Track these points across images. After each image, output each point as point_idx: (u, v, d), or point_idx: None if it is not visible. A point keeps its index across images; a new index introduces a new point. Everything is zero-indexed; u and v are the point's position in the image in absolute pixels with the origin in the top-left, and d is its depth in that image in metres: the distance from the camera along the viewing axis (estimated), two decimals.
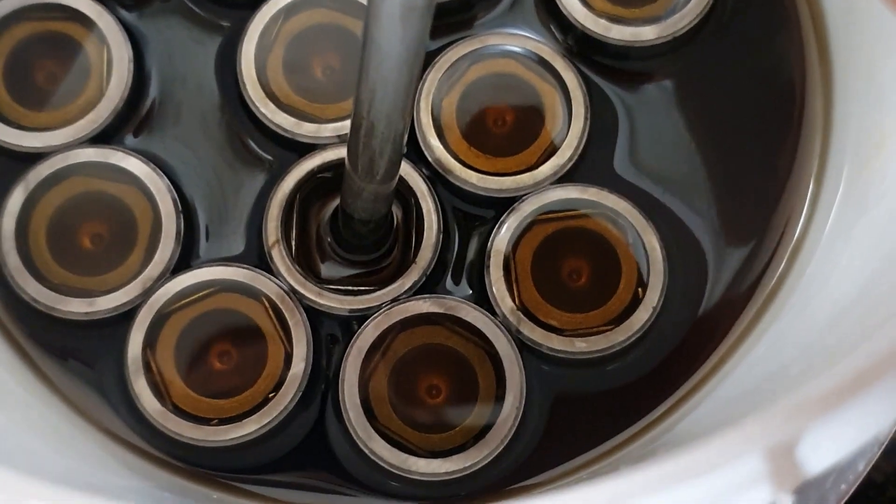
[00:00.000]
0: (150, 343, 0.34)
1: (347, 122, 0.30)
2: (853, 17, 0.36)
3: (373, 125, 0.28)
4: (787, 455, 0.19)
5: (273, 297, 0.35)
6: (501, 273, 0.35)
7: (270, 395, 0.34)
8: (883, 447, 0.30)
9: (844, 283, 0.31)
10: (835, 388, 0.20)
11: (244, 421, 0.34)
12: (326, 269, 0.36)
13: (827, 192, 0.35)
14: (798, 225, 0.36)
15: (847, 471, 0.29)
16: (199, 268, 0.35)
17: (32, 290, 0.34)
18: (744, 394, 0.33)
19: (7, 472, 0.21)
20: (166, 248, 0.35)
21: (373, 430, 0.34)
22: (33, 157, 0.35)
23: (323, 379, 0.35)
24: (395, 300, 0.35)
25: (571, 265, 0.36)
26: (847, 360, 0.20)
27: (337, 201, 0.35)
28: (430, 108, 0.36)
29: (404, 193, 0.36)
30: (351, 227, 0.34)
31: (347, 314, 0.35)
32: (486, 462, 0.34)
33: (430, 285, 0.36)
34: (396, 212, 0.36)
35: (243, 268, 0.35)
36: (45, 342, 0.35)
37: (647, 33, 0.37)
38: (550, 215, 0.36)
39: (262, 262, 0.35)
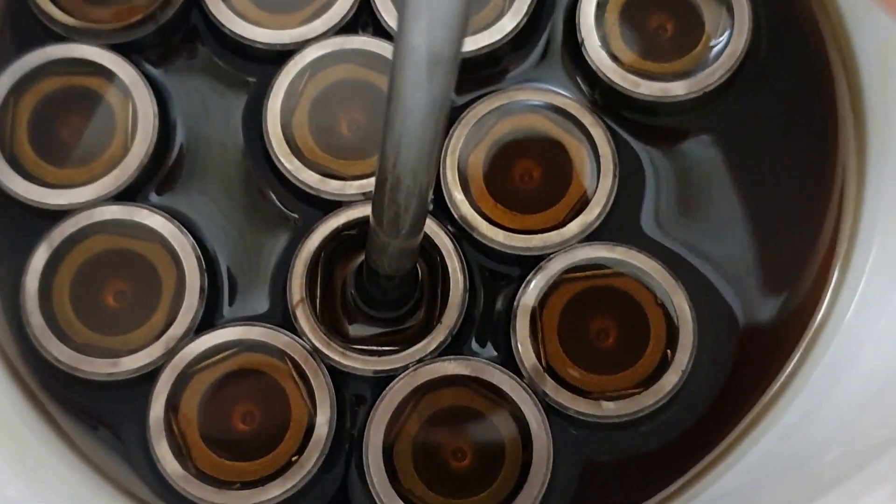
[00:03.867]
0: (172, 405, 0.34)
1: (372, 180, 0.29)
2: (888, 73, 0.36)
3: (398, 179, 0.28)
4: None
5: (297, 358, 0.34)
6: (528, 332, 0.35)
7: (294, 459, 0.34)
8: None
9: (877, 357, 0.30)
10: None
11: (267, 485, 0.33)
12: (352, 329, 0.35)
13: (858, 259, 0.35)
14: (829, 290, 0.35)
15: None
16: (223, 327, 0.35)
17: (55, 350, 0.34)
18: (774, 463, 0.32)
19: None
20: (190, 308, 0.35)
21: (395, 494, 0.33)
22: (57, 215, 0.35)
23: (347, 440, 0.35)
24: (421, 360, 0.35)
25: (599, 325, 0.35)
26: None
27: (362, 258, 0.34)
28: (456, 164, 0.36)
29: (430, 251, 0.35)
30: (376, 282, 0.34)
31: (372, 375, 0.35)
32: None
33: (455, 345, 0.35)
34: (422, 269, 0.36)
35: (267, 327, 0.35)
36: (68, 402, 0.35)
37: (676, 89, 0.36)
38: (578, 274, 0.35)
39: (286, 320, 0.35)
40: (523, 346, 0.35)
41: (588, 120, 0.36)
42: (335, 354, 0.35)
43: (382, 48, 0.36)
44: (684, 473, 0.34)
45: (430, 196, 0.29)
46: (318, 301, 0.35)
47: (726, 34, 0.37)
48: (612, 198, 0.36)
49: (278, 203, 0.36)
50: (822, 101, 0.37)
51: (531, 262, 0.35)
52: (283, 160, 0.36)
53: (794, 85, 0.37)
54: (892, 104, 0.35)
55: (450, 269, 0.35)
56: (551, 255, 0.35)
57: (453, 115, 0.36)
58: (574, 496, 0.34)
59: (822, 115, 0.37)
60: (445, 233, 0.36)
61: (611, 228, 0.36)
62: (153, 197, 0.36)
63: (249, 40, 0.37)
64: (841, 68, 0.37)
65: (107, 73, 0.36)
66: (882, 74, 0.35)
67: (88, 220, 0.35)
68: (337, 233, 0.36)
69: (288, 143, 0.36)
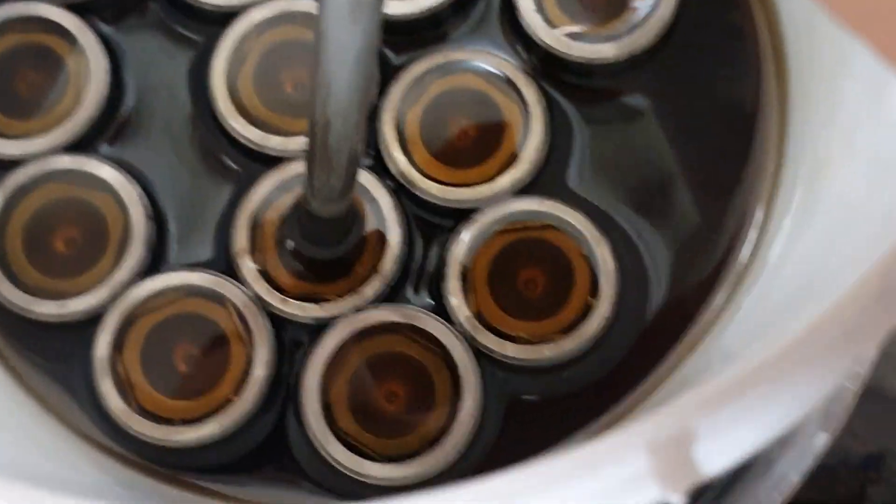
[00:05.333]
0: (116, 345, 0.35)
1: None
2: (811, 36, 0.37)
3: (329, 122, 0.29)
4: (677, 453, 0.20)
5: (238, 304, 0.36)
6: (459, 282, 0.36)
7: (232, 398, 0.35)
8: (818, 459, 0.31)
9: (779, 294, 0.31)
10: (729, 384, 0.20)
11: (205, 422, 0.35)
12: (291, 278, 0.37)
13: (777, 214, 0.36)
14: (749, 244, 0.37)
15: (781, 483, 0.30)
16: (167, 273, 0.36)
17: (6, 291, 0.36)
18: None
19: None
20: (136, 254, 0.36)
21: (331, 434, 0.35)
22: (11, 164, 0.37)
23: (285, 383, 0.36)
24: (358, 309, 0.36)
25: (527, 275, 0.37)
26: (745, 358, 0.21)
27: (303, 210, 0.36)
28: (394, 121, 0.37)
29: (368, 204, 0.37)
30: (315, 233, 0.35)
31: (311, 322, 0.36)
32: (442, 468, 0.35)
33: (391, 295, 0.37)
34: (360, 221, 0.37)
35: (210, 274, 0.36)
36: (19, 342, 0.37)
37: (606, 51, 0.38)
38: (508, 226, 0.37)
39: (229, 269, 0.37)
40: (454, 294, 0.36)
41: (521, 81, 0.38)
42: (275, 301, 0.36)
43: None
44: (605, 412, 0.36)
45: (362, 146, 0.31)
46: (259, 250, 0.37)
47: None
48: (542, 154, 0.37)
49: (224, 157, 0.38)
50: (747, 63, 0.38)
51: (464, 215, 0.37)
52: (227, 117, 0.37)
53: (720, 48, 0.39)
54: (813, 60, 0.36)
55: (388, 222, 0.37)
56: (483, 208, 0.37)
57: (392, 74, 0.38)
58: (500, 437, 0.36)
59: (747, 75, 0.38)
60: (383, 186, 0.37)
61: (541, 184, 0.37)
62: (104, 149, 0.38)
63: (198, 1, 0.38)
64: (766, 30, 0.38)
65: (62, 32, 0.38)
66: (805, 33, 0.37)
67: (41, 169, 0.37)
68: (279, 186, 0.37)
69: (232, 100, 0.37)
